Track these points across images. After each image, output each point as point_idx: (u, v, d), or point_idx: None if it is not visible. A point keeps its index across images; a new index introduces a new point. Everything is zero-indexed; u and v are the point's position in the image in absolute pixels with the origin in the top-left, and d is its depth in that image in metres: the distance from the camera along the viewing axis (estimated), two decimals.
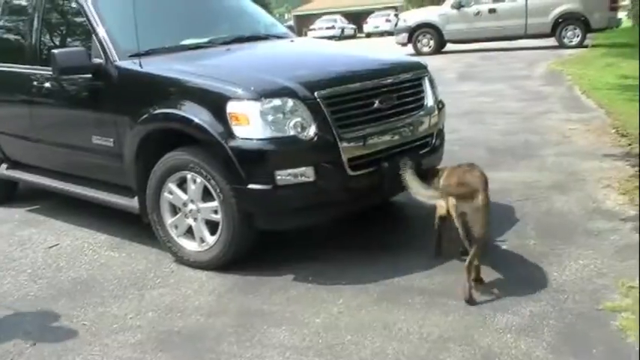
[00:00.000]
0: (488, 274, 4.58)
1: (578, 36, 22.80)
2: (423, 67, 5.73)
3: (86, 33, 5.77)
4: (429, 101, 5.55)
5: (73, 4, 5.99)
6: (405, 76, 5.44)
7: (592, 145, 8.27)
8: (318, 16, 61.86)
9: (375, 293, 4.48)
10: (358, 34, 57.81)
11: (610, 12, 22.62)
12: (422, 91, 5.52)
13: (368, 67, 5.58)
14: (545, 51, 21.91)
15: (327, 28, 54.32)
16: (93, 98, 5.65)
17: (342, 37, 52.43)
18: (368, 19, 56.99)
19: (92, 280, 5.05)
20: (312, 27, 55.16)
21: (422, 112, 5.43)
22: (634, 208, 5.73)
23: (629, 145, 8.02)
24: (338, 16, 59.33)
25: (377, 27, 54.35)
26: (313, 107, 4.67)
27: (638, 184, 6.30)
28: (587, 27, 22.71)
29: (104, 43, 5.52)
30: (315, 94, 4.70)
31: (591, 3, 22.75)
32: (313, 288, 4.62)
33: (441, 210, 4.76)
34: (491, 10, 23.82)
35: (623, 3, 28.67)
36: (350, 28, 58.22)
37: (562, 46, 22.65)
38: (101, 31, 5.58)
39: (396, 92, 5.20)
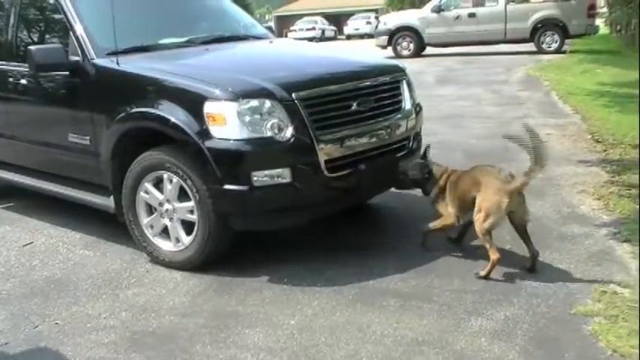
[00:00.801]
0: (463, 279, 4.61)
1: (556, 42, 22.99)
2: (401, 70, 5.75)
3: (64, 30, 5.73)
4: (407, 104, 5.57)
5: (51, 1, 5.94)
6: (384, 78, 5.46)
7: (568, 150, 8.33)
8: (299, 17, 61.93)
9: (349, 295, 4.48)
10: (339, 36, 57.92)
11: (588, 19, 22.83)
12: (400, 94, 5.54)
13: (346, 69, 5.59)
14: (524, 56, 22.06)
15: (308, 29, 54.40)
16: (70, 96, 5.61)
17: (322, 38, 52.46)
18: (348, 21, 57.13)
19: (66, 279, 5.01)
20: (292, 28, 55.24)
21: (399, 115, 5.44)
22: (608, 214, 5.78)
23: (605, 151, 8.10)
24: (319, 18, 59.45)
25: (357, 29, 54.50)
26: (291, 108, 4.67)
27: (613, 189, 6.37)
28: (565, 33, 22.92)
29: (82, 41, 5.48)
30: (293, 95, 4.69)
31: (570, 10, 22.98)
32: (288, 289, 4.62)
33: (449, 219, 4.90)
34: (471, 15, 23.94)
35: (601, 10, 28.92)
36: (330, 29, 58.33)
37: (541, 51, 22.83)
38: (79, 28, 5.55)
39: (374, 95, 5.21)
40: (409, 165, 5.18)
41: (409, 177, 5.15)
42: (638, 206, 5.84)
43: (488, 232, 4.59)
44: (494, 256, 4.56)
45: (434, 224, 5.03)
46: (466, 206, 4.80)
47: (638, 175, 6.70)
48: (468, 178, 4.82)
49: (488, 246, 4.59)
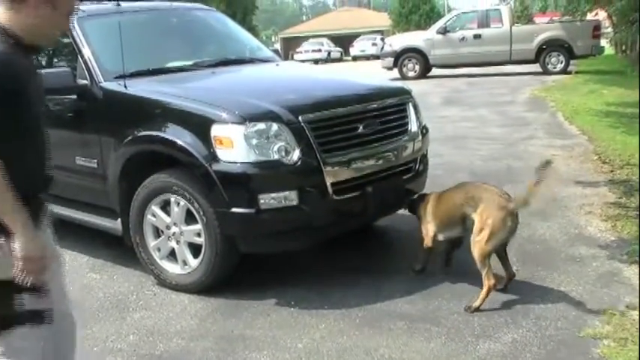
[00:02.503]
0: (470, 301, 4.59)
1: (561, 62, 23.03)
2: (407, 93, 5.77)
3: (72, 54, 5.77)
4: (413, 126, 5.58)
5: None
6: (390, 101, 5.48)
7: (574, 171, 8.33)
8: (305, 38, 62.16)
9: (357, 318, 4.47)
10: (344, 58, 58.08)
11: (593, 39, 22.87)
12: (406, 117, 5.56)
13: (352, 92, 5.62)
14: (530, 77, 22.11)
15: (314, 50, 54.54)
16: (77, 119, 5.63)
17: (328, 60, 52.65)
18: (354, 43, 57.27)
19: (73, 302, 4.98)
20: (298, 50, 55.40)
21: (406, 138, 5.46)
22: (615, 235, 5.77)
23: (611, 171, 8.09)
24: (325, 39, 59.61)
25: (363, 50, 54.61)
26: (297, 131, 4.69)
27: (620, 210, 6.35)
28: (570, 54, 22.96)
29: (89, 64, 5.51)
30: (300, 118, 4.72)
31: (575, 30, 23.05)
32: (295, 312, 4.61)
33: (426, 240, 4.94)
34: (477, 36, 24.01)
35: (605, 31, 28.98)
36: (336, 51, 58.49)
37: (546, 72, 22.86)
38: (87, 52, 5.58)
39: (380, 117, 5.24)
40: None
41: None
42: (638, 227, 5.83)
43: (489, 254, 4.52)
44: (489, 281, 4.47)
45: (419, 249, 5.08)
46: (450, 223, 4.81)
47: None
48: (457, 194, 4.80)
49: (484, 270, 4.49)
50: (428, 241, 4.96)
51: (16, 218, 2.39)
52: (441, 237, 4.96)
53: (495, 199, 4.54)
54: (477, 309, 4.45)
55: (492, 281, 4.48)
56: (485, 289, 4.48)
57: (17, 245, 2.38)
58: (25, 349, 2.57)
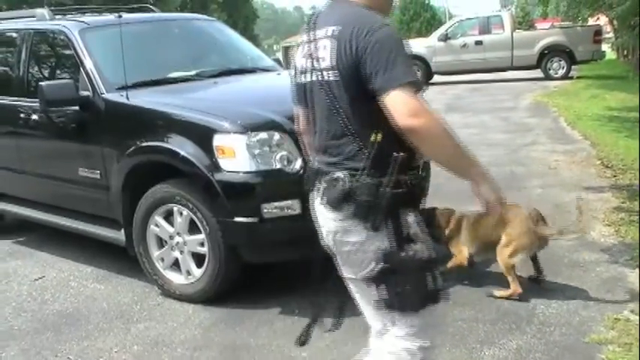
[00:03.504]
0: (475, 308, 4.59)
1: (563, 68, 23.01)
2: None
3: (74, 66, 5.81)
4: None
5: (62, 37, 6.01)
6: None
7: (577, 176, 8.32)
8: None
9: (361, 326, 4.44)
10: None
11: (594, 44, 22.83)
12: None
13: None
14: (531, 82, 22.09)
15: None
16: (80, 130, 5.66)
17: None
18: None
19: (77, 313, 5.02)
20: None
21: None
22: (619, 240, 5.76)
23: (614, 176, 8.08)
24: None
25: None
26: (299, 140, 4.68)
27: (623, 215, 6.34)
28: (572, 59, 22.94)
29: (91, 76, 5.54)
30: None
31: (576, 36, 23.05)
32: (300, 321, 4.59)
33: (462, 260, 4.99)
34: (478, 43, 24.01)
35: (607, 36, 29.00)
36: None
37: (548, 77, 22.85)
38: (89, 63, 5.61)
39: None
40: None
41: None
42: (638, 230, 5.82)
43: (514, 266, 4.72)
44: (516, 289, 4.68)
45: (448, 265, 5.06)
46: (489, 246, 4.88)
47: None
48: (491, 218, 4.83)
49: (511, 279, 4.72)
50: (463, 261, 4.98)
51: (476, 165, 2.62)
52: (478, 259, 5.06)
53: (523, 221, 4.74)
54: (495, 297, 4.74)
55: (519, 289, 4.68)
56: (509, 291, 4.71)
57: (484, 190, 2.56)
58: (427, 325, 2.65)
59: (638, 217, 6.29)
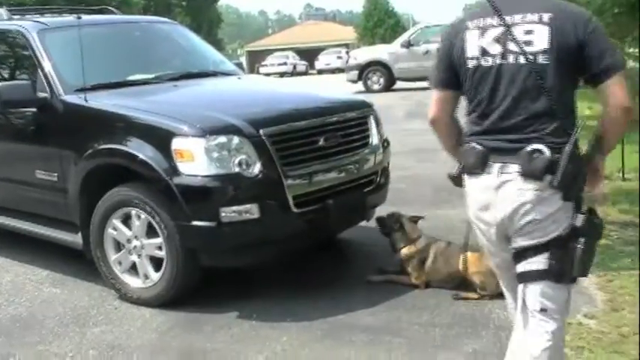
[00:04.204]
0: (432, 312, 4.63)
1: None
2: (368, 106, 5.81)
3: (32, 67, 5.74)
4: (375, 139, 5.62)
5: (19, 38, 5.94)
6: (351, 114, 5.51)
7: None
8: (271, 52, 62.20)
9: (318, 331, 4.48)
10: (310, 71, 58.19)
11: None
12: (367, 130, 5.59)
13: (314, 105, 5.64)
14: None
15: (279, 64, 54.56)
16: (38, 132, 5.60)
17: (294, 73, 52.70)
18: (319, 56, 57.41)
19: (32, 317, 4.96)
20: (264, 63, 55.44)
21: (367, 150, 5.49)
22: None
23: None
24: (290, 53, 59.73)
25: (328, 64, 54.70)
26: (258, 145, 4.70)
27: None
28: None
29: (50, 77, 5.49)
30: (261, 131, 4.73)
31: None
32: (257, 325, 4.60)
33: (419, 284, 5.09)
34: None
35: None
36: (302, 64, 58.58)
37: None
38: (47, 65, 5.56)
39: (341, 130, 5.26)
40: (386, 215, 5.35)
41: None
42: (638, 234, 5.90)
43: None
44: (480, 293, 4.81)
45: (399, 278, 5.15)
46: (449, 280, 5.00)
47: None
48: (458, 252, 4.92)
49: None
50: (419, 286, 5.07)
51: None
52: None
53: None
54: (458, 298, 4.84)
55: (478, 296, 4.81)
56: (474, 295, 4.84)
57: (601, 169, 2.86)
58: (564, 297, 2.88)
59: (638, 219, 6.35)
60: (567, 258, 2.75)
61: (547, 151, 2.68)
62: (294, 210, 4.82)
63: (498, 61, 2.80)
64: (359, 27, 62.27)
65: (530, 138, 2.72)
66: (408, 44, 24.58)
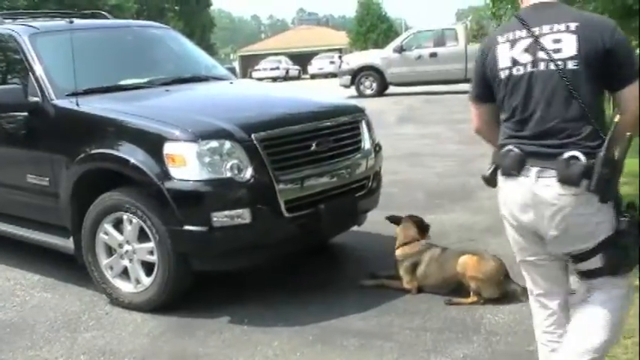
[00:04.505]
0: (423, 317, 4.64)
1: None
2: (360, 111, 5.82)
3: (23, 71, 5.72)
4: (366, 144, 5.63)
5: (11, 42, 5.93)
6: (343, 119, 5.52)
7: None
8: (263, 56, 62.21)
9: (310, 335, 4.48)
10: (303, 76, 58.24)
11: None
12: (359, 134, 5.60)
13: (306, 109, 5.64)
14: None
15: (272, 69, 54.59)
16: (29, 136, 5.59)
17: (286, 78, 52.69)
18: (312, 61, 57.47)
19: (23, 322, 4.94)
20: (256, 67, 55.42)
21: (359, 155, 5.50)
22: None
23: None
24: (283, 57, 59.71)
25: (321, 69, 54.77)
26: (250, 149, 4.70)
27: None
28: None
29: (41, 82, 5.48)
30: (253, 136, 4.73)
31: None
32: (249, 330, 4.60)
33: (410, 289, 5.11)
34: (432, 55, 24.27)
35: None
36: (295, 69, 58.62)
37: None
38: (38, 69, 5.55)
39: (333, 135, 5.27)
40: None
41: None
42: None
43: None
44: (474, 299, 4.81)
45: (390, 283, 5.17)
46: (442, 286, 5.00)
47: None
48: (455, 260, 4.94)
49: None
50: (410, 291, 5.08)
51: None
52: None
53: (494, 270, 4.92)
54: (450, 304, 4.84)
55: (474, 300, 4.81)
56: (469, 300, 4.84)
57: None
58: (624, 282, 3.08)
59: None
60: (618, 254, 2.95)
61: (583, 158, 2.81)
62: (286, 215, 4.82)
63: (529, 69, 2.97)
64: (352, 32, 62.43)
65: (566, 144, 2.87)
66: (400, 49, 24.65)
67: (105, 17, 7.67)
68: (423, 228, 5.36)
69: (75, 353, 4.39)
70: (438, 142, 12.82)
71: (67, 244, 5.36)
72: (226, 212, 4.60)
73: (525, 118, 2.98)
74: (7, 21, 6.51)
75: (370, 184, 5.63)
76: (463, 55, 23.70)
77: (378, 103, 19.27)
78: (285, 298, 5.10)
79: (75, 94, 5.29)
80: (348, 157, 5.38)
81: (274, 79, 48.41)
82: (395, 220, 5.36)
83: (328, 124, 5.33)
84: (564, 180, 2.84)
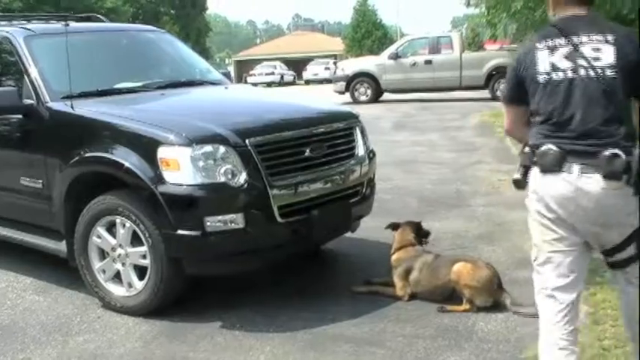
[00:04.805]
0: (415, 324, 4.64)
1: None
2: (354, 117, 5.83)
3: (18, 73, 5.71)
4: (360, 150, 5.64)
5: (6, 44, 5.92)
6: (337, 125, 5.54)
7: (520, 195, 8.37)
8: (259, 61, 62.20)
9: (302, 341, 4.48)
10: (298, 81, 58.28)
11: None
12: (353, 141, 5.61)
13: (300, 115, 5.64)
14: (479, 103, 22.40)
15: (267, 74, 54.59)
16: (23, 139, 5.58)
17: (281, 83, 52.71)
18: (307, 67, 57.52)
19: (14, 325, 4.93)
20: (252, 72, 55.41)
21: (353, 161, 5.51)
22: None
23: None
24: (278, 63, 59.75)
25: (316, 74, 54.75)
26: (244, 154, 4.71)
27: None
28: None
29: (36, 84, 5.47)
30: (247, 141, 4.74)
31: None
32: (240, 335, 4.60)
33: (402, 296, 5.10)
34: (427, 62, 24.31)
35: None
36: (289, 74, 58.64)
37: (495, 98, 23.14)
38: (33, 71, 5.54)
39: (327, 141, 5.28)
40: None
41: None
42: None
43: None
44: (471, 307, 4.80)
45: (383, 290, 5.18)
46: (434, 294, 4.99)
47: None
48: (447, 268, 4.94)
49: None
50: (402, 298, 5.07)
51: None
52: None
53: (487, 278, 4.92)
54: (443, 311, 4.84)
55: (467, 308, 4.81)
56: (462, 307, 4.83)
57: None
58: None
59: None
60: None
61: (622, 155, 3.05)
62: (280, 220, 4.82)
63: (570, 75, 3.20)
64: (347, 38, 62.58)
65: (607, 143, 3.09)
66: (395, 56, 24.68)
67: (100, 20, 7.67)
68: (421, 233, 5.37)
69: (66, 357, 4.39)
70: (432, 149, 12.84)
71: (60, 247, 5.35)
72: (220, 217, 4.60)
73: (565, 120, 3.19)
74: (2, 23, 6.50)
75: (364, 190, 5.64)
76: (458, 63, 23.77)
77: (373, 110, 19.30)
78: (277, 304, 5.10)
79: (70, 97, 5.28)
80: (342, 163, 5.39)
81: (269, 84, 48.42)
82: (394, 226, 5.37)
83: (322, 130, 5.33)
84: (608, 175, 3.05)
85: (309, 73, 56.37)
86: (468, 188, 9.02)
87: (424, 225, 5.49)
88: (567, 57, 3.22)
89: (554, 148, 3.18)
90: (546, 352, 3.40)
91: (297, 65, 62.16)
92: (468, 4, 17.09)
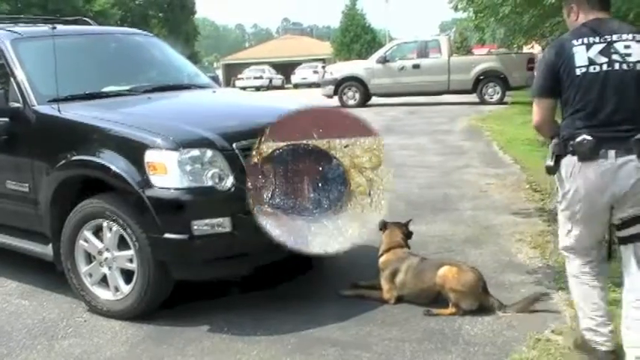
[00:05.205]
0: (402, 327, 4.65)
1: (498, 93, 23.55)
2: None
3: (5, 76, 5.69)
4: None
5: None
6: None
7: (507, 199, 8.50)
8: (247, 65, 62.19)
9: (289, 344, 4.48)
10: (286, 85, 58.29)
11: (528, 71, 23.32)
12: None
13: None
14: (467, 107, 22.51)
15: (256, 77, 54.59)
16: (9, 142, 5.55)
17: (270, 87, 52.68)
18: (296, 70, 57.56)
19: (0, 329, 4.91)
20: (240, 76, 55.38)
21: None
22: (544, 262, 5.89)
23: (542, 200, 8.27)
24: (266, 67, 59.76)
25: (304, 78, 54.82)
26: (231, 158, 4.71)
27: (549, 238, 6.49)
28: (506, 85, 23.50)
29: (22, 87, 5.45)
30: (234, 145, 4.74)
31: (510, 63, 23.68)
32: (228, 338, 4.60)
33: (388, 299, 5.12)
34: (415, 66, 24.40)
35: None
36: (278, 78, 58.65)
37: (483, 102, 23.32)
38: (20, 74, 5.52)
39: None
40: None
41: None
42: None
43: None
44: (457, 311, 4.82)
45: (370, 293, 5.19)
46: (420, 297, 5.02)
47: None
48: (433, 272, 4.95)
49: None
50: (389, 301, 5.09)
51: None
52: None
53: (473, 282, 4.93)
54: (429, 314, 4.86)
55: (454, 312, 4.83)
56: (448, 310, 4.85)
57: None
58: None
59: None
60: None
61: None
62: None
63: (605, 68, 3.62)
64: (336, 42, 62.64)
65: (637, 128, 3.55)
66: (383, 60, 24.77)
67: (88, 24, 7.64)
68: (408, 235, 5.39)
69: None
70: (420, 153, 12.87)
71: (46, 250, 5.33)
72: (207, 221, 4.60)
73: (599, 109, 3.60)
74: None
75: None
76: (446, 67, 23.88)
77: (361, 114, 19.26)
78: (265, 307, 5.10)
79: (56, 101, 5.26)
80: None
81: (257, 88, 48.45)
82: (382, 226, 5.37)
83: None
84: None
85: (297, 77, 56.41)
86: (456, 192, 9.04)
87: (410, 228, 5.50)
88: (602, 53, 3.62)
89: (588, 137, 3.57)
90: (576, 287, 4.02)
91: (285, 69, 62.19)
92: (456, 9, 17.19)
